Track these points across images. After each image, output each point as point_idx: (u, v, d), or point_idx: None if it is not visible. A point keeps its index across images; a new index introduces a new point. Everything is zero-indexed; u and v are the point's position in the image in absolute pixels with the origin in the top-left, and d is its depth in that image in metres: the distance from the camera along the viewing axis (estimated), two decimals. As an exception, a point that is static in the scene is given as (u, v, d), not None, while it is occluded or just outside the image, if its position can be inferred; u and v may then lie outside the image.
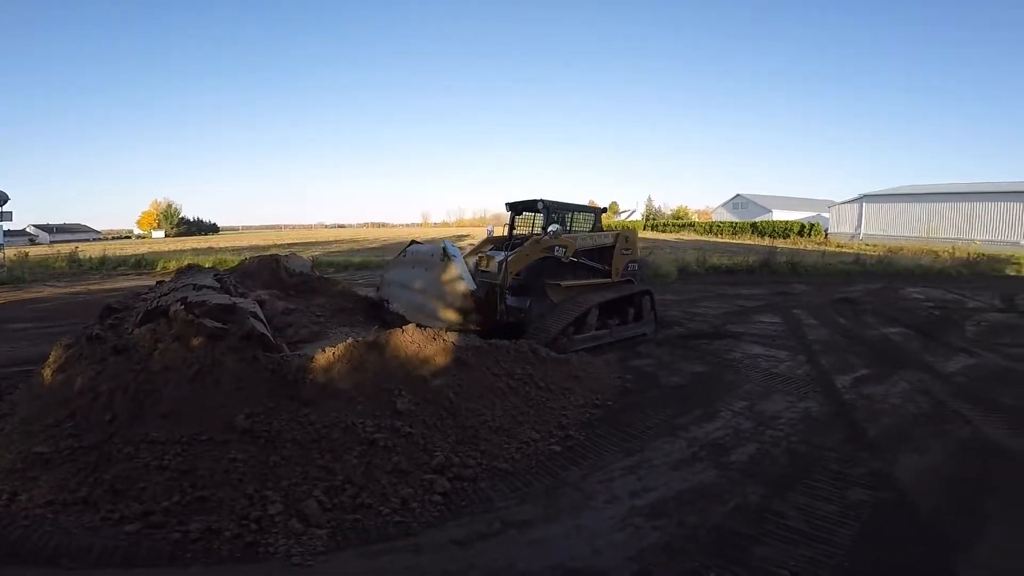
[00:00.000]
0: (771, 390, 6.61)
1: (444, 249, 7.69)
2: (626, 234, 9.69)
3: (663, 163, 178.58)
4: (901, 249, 30.78)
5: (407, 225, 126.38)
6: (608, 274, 9.22)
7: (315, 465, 4.01)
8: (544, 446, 4.87)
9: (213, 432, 4.05)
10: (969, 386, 6.87)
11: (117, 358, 4.59)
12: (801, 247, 34.51)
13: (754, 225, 51.30)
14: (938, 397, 6.40)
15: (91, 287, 16.21)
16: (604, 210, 10.05)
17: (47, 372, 4.67)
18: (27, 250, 27.18)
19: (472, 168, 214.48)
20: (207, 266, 12.03)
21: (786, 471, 4.48)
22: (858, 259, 24.36)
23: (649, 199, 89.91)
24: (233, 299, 5.47)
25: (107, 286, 16.05)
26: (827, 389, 6.67)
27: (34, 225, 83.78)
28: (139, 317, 5.49)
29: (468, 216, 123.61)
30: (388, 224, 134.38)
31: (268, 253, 11.79)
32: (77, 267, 22.53)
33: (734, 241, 44.24)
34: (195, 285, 6.10)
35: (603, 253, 9.24)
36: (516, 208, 9.71)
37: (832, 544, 3.45)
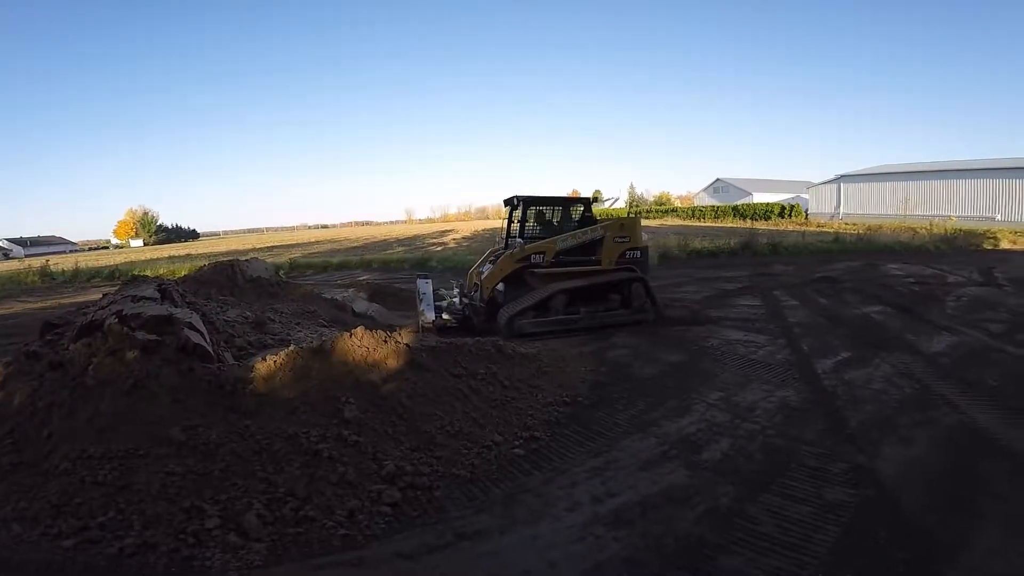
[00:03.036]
0: (749, 378, 6.35)
1: (417, 283, 9.22)
2: (621, 222, 9.66)
3: (644, 150, 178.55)
4: (880, 227, 30.74)
5: (391, 223, 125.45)
6: (598, 263, 9.24)
7: (255, 477, 3.83)
8: (506, 449, 4.60)
9: (149, 446, 3.91)
10: (954, 367, 6.57)
11: (53, 374, 4.48)
12: (782, 228, 34.60)
13: (735, 208, 51.26)
14: (922, 380, 6.09)
15: (63, 301, 15.70)
16: (592, 200, 9.99)
17: (-12, 390, 4.46)
18: (-2, 264, 26.48)
19: (455, 163, 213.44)
20: (183, 273, 11.65)
21: (761, 469, 4.19)
22: (838, 238, 24.38)
23: (631, 186, 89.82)
24: (170, 310, 5.13)
25: (79, 299, 15.31)
26: (807, 375, 6.41)
27: (7, 239, 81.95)
28: (75, 332, 5.25)
29: (453, 211, 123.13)
30: (372, 222, 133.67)
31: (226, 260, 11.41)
32: (50, 281, 21.99)
33: (716, 225, 44.10)
34: (134, 297, 5.75)
35: (593, 245, 9.29)
36: (513, 203, 9.88)
37: (806, 552, 3.17)
